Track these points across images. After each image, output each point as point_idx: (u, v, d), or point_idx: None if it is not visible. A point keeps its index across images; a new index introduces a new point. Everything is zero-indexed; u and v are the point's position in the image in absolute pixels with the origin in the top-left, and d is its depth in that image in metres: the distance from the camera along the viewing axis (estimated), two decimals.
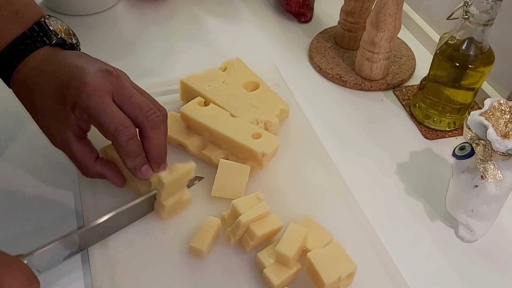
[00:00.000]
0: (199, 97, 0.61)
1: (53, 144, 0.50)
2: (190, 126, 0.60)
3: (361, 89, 0.72)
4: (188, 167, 0.51)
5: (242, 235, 0.50)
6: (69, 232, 0.47)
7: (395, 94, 0.72)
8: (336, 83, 0.73)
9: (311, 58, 0.77)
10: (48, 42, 0.49)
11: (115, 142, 0.47)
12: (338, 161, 0.60)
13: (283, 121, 0.64)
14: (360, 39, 0.71)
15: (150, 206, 0.52)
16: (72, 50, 0.52)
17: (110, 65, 0.49)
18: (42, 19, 0.50)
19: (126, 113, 0.47)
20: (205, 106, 0.60)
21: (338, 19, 0.77)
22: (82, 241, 0.48)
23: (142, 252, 0.50)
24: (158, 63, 0.75)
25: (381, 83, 0.72)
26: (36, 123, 0.50)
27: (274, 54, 0.78)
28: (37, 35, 0.49)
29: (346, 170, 0.59)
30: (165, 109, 0.51)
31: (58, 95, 0.47)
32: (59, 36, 0.50)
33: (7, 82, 0.51)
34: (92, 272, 0.48)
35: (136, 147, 0.48)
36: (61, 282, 0.48)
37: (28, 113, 0.50)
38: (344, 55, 0.76)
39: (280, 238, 0.48)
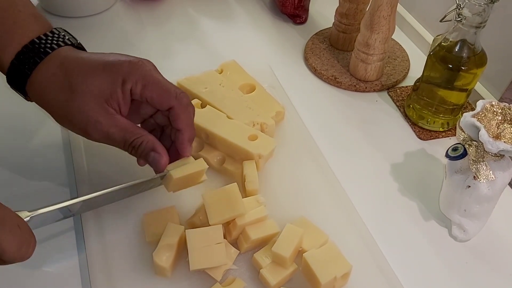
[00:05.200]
0: (196, 99, 0.62)
1: (96, 129, 0.47)
2: None
3: (355, 90, 0.73)
4: (200, 167, 0.50)
5: (238, 236, 0.50)
6: (73, 201, 0.46)
7: (389, 95, 0.73)
8: (331, 84, 0.74)
9: (306, 60, 0.77)
10: (70, 43, 0.50)
11: (179, 105, 0.49)
12: (333, 162, 0.61)
13: (278, 122, 0.64)
14: (354, 41, 0.72)
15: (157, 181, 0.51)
16: None
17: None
18: (55, 29, 0.51)
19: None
20: (202, 108, 0.61)
21: (333, 20, 0.78)
22: (80, 209, 0.47)
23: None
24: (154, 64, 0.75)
25: (376, 84, 0.73)
26: (72, 114, 0.47)
27: (270, 56, 0.78)
28: (58, 36, 0.49)
29: (341, 170, 0.60)
30: None
31: (106, 71, 0.47)
32: (78, 42, 0.51)
33: (22, 86, 0.49)
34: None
35: None
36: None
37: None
38: (339, 57, 0.77)
39: (276, 239, 0.49)
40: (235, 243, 0.51)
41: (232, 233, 0.50)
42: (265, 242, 0.50)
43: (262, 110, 0.62)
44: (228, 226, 0.50)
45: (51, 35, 0.49)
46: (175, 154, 0.50)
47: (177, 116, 0.49)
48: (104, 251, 0.50)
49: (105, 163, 0.58)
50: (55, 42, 0.49)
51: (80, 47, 0.51)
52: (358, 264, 0.49)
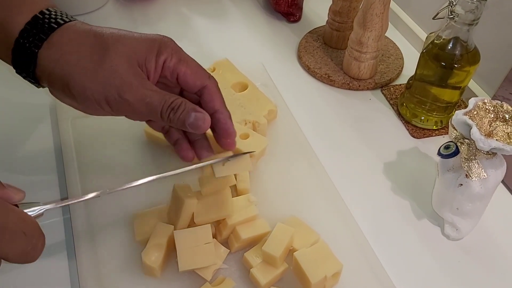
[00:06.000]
0: None
1: (131, 91, 0.43)
2: None
3: (349, 89, 0.72)
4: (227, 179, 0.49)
5: (229, 235, 0.50)
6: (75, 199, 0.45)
7: (383, 93, 0.72)
8: (324, 82, 0.74)
9: (299, 58, 0.77)
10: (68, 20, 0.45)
11: (212, 85, 0.47)
12: (325, 160, 0.60)
13: (271, 121, 0.64)
14: (348, 39, 0.71)
15: None
16: None
17: None
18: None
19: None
20: None
21: (327, 18, 0.77)
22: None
23: None
24: None
25: (369, 83, 0.72)
26: (103, 76, 0.43)
27: (263, 54, 0.78)
28: (56, 14, 0.45)
29: (334, 169, 0.60)
30: None
31: (141, 37, 0.45)
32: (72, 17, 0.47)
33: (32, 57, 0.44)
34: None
35: None
36: None
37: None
38: (332, 55, 0.77)
39: (267, 238, 0.48)
40: (225, 243, 0.50)
41: (223, 233, 0.49)
42: (256, 242, 0.50)
43: (254, 108, 0.62)
44: (218, 225, 0.50)
45: (59, 10, 0.46)
46: (203, 146, 0.50)
47: (212, 96, 0.47)
48: (94, 250, 0.50)
49: (96, 160, 0.58)
50: (65, 16, 0.46)
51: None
52: (349, 263, 0.49)
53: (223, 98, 0.48)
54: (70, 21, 0.45)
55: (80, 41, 0.44)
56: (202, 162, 0.48)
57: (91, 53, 0.43)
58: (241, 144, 0.56)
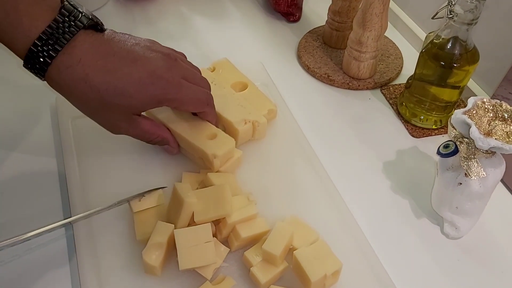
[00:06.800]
0: None
1: (120, 131, 0.52)
2: None
3: (348, 88, 0.73)
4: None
5: (229, 234, 0.50)
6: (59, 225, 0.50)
7: (382, 93, 0.72)
8: (324, 82, 0.74)
9: (299, 58, 0.77)
10: (82, 25, 0.45)
11: (210, 109, 0.56)
12: (325, 160, 0.61)
13: (271, 120, 0.64)
14: (347, 39, 0.71)
15: None
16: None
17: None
18: (66, 2, 0.45)
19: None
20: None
21: (326, 18, 0.78)
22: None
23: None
24: None
25: (369, 82, 0.72)
26: (98, 114, 0.50)
27: (263, 54, 0.78)
28: (69, 19, 0.45)
29: (333, 168, 0.60)
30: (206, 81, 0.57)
31: (139, 90, 0.48)
32: (90, 17, 0.46)
33: (42, 70, 0.45)
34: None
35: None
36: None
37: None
38: (332, 54, 0.77)
39: (267, 237, 0.48)
40: (225, 242, 0.51)
41: (223, 232, 0.50)
42: (256, 240, 0.50)
43: (254, 108, 0.62)
44: (218, 224, 0.50)
45: (61, 19, 0.44)
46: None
47: (207, 115, 0.57)
48: (94, 249, 0.50)
49: (98, 169, 0.58)
50: (67, 29, 0.44)
51: (95, 23, 0.47)
52: (349, 262, 0.49)
53: (215, 113, 0.58)
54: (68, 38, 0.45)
55: (77, 87, 0.47)
56: (120, 200, 0.53)
57: (88, 101, 0.48)
58: (205, 144, 0.55)
